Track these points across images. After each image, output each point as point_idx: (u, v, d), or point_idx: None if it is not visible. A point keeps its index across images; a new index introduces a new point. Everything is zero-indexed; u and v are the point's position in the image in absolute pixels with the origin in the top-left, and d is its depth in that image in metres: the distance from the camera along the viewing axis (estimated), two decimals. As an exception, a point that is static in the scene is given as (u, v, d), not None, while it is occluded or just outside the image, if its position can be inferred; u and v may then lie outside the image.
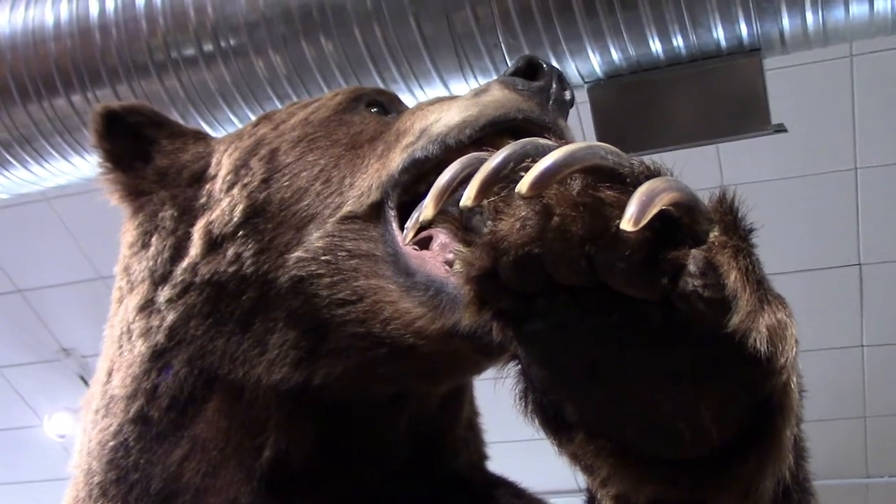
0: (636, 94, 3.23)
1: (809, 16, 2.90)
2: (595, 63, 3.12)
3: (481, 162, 0.73)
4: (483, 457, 1.50)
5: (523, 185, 0.67)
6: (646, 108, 3.26)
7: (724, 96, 3.19)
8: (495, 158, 0.71)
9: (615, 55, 3.08)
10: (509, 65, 3.06)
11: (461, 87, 3.19)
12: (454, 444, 1.41)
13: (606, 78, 3.19)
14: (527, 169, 0.70)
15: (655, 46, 3.05)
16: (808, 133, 4.70)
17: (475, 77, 3.16)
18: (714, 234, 0.69)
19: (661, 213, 0.66)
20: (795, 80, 4.40)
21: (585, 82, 3.21)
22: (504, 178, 0.71)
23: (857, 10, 2.86)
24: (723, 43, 3.04)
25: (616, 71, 3.16)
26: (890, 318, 5.80)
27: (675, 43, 3.03)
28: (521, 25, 3.02)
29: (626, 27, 2.99)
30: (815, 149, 5.01)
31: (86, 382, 7.17)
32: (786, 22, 2.94)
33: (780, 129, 3.22)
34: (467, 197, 0.70)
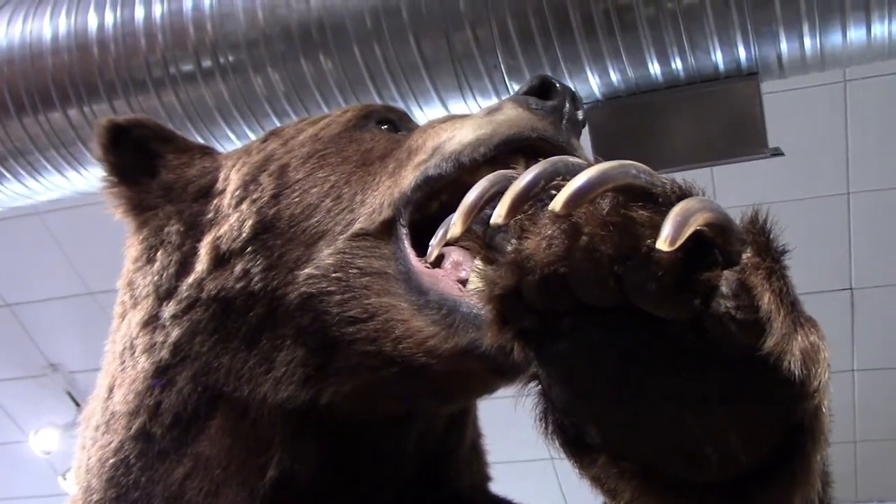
0: (634, 116, 3.24)
1: (807, 40, 2.93)
2: (594, 84, 3.13)
3: (509, 180, 0.72)
4: (486, 478, 1.48)
5: (557, 203, 0.66)
6: (643, 130, 3.27)
7: (722, 119, 3.21)
8: (526, 176, 0.70)
9: (614, 77, 3.10)
10: (508, 85, 3.10)
11: (460, 107, 3.19)
12: (458, 465, 1.39)
13: (605, 99, 3.20)
14: (557, 187, 0.69)
15: (654, 69, 3.07)
16: (801, 157, 4.72)
17: (474, 97, 3.17)
18: (747, 256, 0.68)
19: (693, 234, 0.66)
20: (789, 104, 4.42)
21: (584, 103, 3.21)
22: (534, 196, 0.71)
23: (855, 35, 2.89)
24: (721, 66, 3.06)
25: (614, 92, 3.18)
26: (881, 343, 5.81)
27: (673, 65, 3.05)
28: (520, 46, 3.03)
29: (626, 49, 3.01)
30: (809, 173, 5.04)
31: (73, 398, 7.11)
32: (784, 46, 2.96)
33: (777, 152, 3.24)
34: (498, 214, 0.70)
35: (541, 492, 6.68)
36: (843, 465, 6.51)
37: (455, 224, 0.74)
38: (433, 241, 0.83)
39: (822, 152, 4.99)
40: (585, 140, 3.23)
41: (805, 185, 5.14)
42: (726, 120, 3.19)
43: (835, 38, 2.91)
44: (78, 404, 7.10)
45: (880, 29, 2.85)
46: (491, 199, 0.74)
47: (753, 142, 3.21)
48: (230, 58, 3.26)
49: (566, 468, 0.82)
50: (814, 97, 4.68)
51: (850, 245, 5.40)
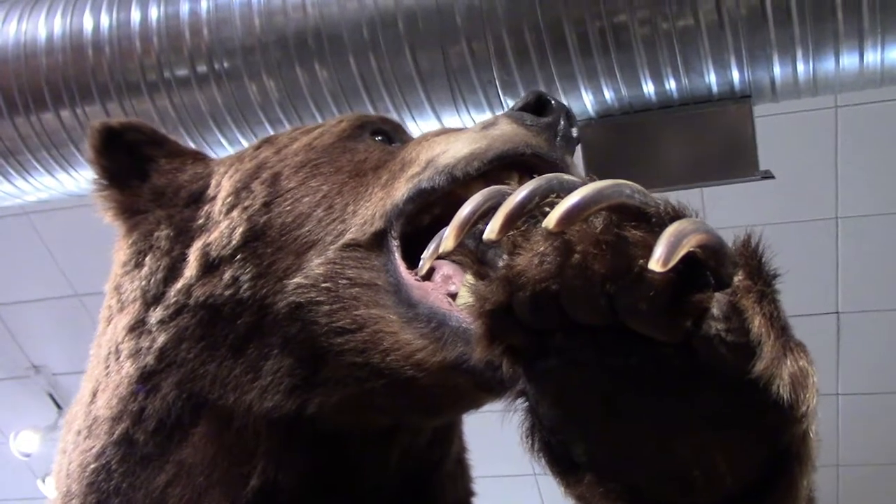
0: (627, 135, 3.25)
1: (800, 65, 2.94)
2: (588, 102, 3.14)
3: (503, 195, 0.72)
4: (470, 493, 1.48)
5: (551, 221, 0.66)
6: (635, 149, 3.28)
7: (714, 141, 3.22)
8: (521, 192, 0.70)
9: (608, 95, 3.11)
10: (503, 101, 3.10)
11: (454, 120, 3.19)
12: (442, 480, 1.39)
13: (598, 118, 3.21)
14: (551, 204, 0.69)
15: (648, 88, 3.08)
16: (790, 181, 4.74)
17: (468, 111, 3.17)
18: (739, 279, 0.68)
19: (686, 255, 0.66)
20: (780, 128, 4.44)
21: (577, 121, 3.22)
22: (528, 212, 0.70)
23: (848, 61, 2.90)
24: (714, 88, 3.07)
25: (608, 111, 3.18)
26: (866, 368, 5.83)
27: (667, 86, 3.06)
28: (515, 62, 3.04)
29: (620, 68, 3.02)
30: (798, 197, 5.06)
31: (54, 400, 7.06)
32: (777, 70, 2.98)
33: (768, 175, 3.25)
34: (491, 230, 0.69)
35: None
36: (827, 489, 6.52)
37: (448, 238, 0.74)
38: (425, 254, 0.83)
39: (811, 177, 5.02)
40: (578, 157, 3.25)
41: (794, 209, 5.16)
42: (718, 141, 3.20)
43: (828, 64, 2.93)
44: (60, 407, 7.04)
45: (873, 56, 2.87)
46: (485, 213, 0.73)
47: (745, 164, 3.22)
48: (225, 64, 3.25)
49: (549, 484, 0.82)
50: (806, 121, 4.71)
51: (838, 269, 5.42)
